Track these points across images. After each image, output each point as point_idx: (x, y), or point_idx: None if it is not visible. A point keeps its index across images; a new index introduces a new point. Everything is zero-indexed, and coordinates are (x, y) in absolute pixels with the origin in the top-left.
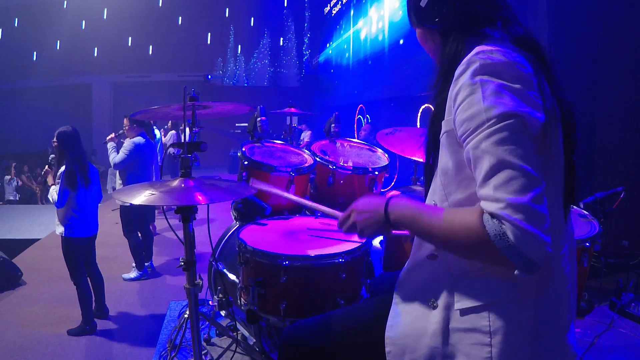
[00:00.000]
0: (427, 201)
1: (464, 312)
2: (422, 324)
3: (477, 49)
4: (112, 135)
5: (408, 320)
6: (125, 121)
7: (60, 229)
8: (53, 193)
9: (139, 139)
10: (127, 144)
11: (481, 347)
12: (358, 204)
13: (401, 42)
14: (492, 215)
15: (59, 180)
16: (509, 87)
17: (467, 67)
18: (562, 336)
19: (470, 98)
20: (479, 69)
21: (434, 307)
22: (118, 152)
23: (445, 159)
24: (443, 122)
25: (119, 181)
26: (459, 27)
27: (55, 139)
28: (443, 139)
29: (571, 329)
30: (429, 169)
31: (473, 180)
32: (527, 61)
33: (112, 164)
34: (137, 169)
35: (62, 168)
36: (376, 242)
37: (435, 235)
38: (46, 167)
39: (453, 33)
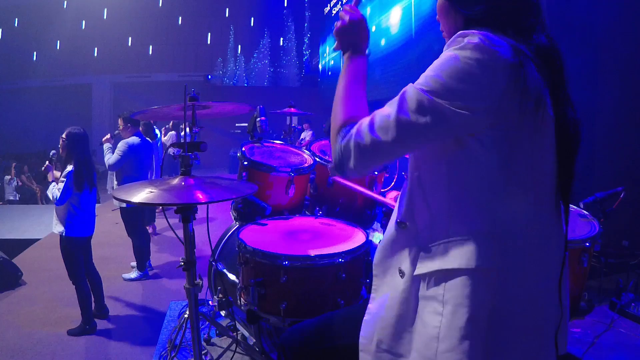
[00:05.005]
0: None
1: (423, 278)
2: (392, 293)
3: (472, 31)
4: (108, 136)
5: (383, 291)
6: (120, 121)
7: (59, 228)
8: (54, 190)
9: (133, 139)
10: (121, 144)
11: (434, 315)
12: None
13: (401, 42)
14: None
15: (64, 179)
16: (467, 72)
17: (454, 42)
18: (527, 337)
19: (436, 62)
20: (457, 46)
21: (402, 276)
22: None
23: None
24: None
25: (116, 182)
26: (485, 21)
27: (64, 137)
28: None
29: (548, 345)
30: None
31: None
32: (512, 52)
33: (107, 165)
34: (132, 170)
35: (69, 167)
36: (376, 241)
37: (336, 98)
38: (47, 162)
39: (477, 24)
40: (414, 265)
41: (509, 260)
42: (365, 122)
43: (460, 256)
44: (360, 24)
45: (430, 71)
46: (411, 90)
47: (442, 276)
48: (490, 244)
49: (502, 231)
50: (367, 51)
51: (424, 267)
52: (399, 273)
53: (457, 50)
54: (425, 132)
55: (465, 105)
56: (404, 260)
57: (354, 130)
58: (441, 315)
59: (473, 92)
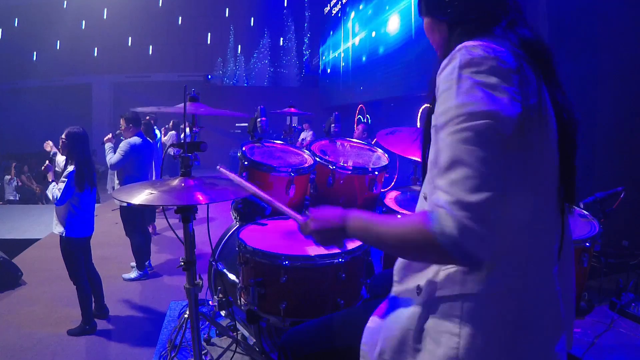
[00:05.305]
0: (421, 194)
1: (441, 299)
2: (405, 306)
3: (463, 44)
4: (110, 135)
5: (396, 303)
6: (122, 121)
7: (59, 229)
8: (55, 190)
9: (135, 139)
10: (123, 144)
11: (450, 336)
12: (317, 214)
13: (401, 42)
14: (439, 205)
15: (65, 180)
16: (484, 83)
17: (449, 62)
18: (544, 346)
19: (447, 93)
20: (458, 65)
21: (419, 292)
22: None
23: (432, 152)
24: (432, 116)
25: (117, 181)
26: (467, 22)
27: (64, 137)
28: (432, 132)
29: (561, 341)
30: (424, 162)
31: None
32: (513, 57)
33: (108, 165)
34: (133, 170)
35: (71, 168)
36: None
37: (386, 241)
38: (47, 162)
39: (460, 27)
40: (433, 284)
41: (522, 273)
42: (450, 195)
43: (476, 281)
44: (331, 228)
45: (450, 102)
46: (458, 135)
47: (459, 300)
48: (505, 261)
49: (514, 244)
50: (348, 219)
51: (443, 290)
52: (417, 289)
53: (465, 69)
54: (502, 156)
55: (510, 116)
56: (422, 278)
57: (445, 213)
58: (458, 337)
59: (501, 101)
